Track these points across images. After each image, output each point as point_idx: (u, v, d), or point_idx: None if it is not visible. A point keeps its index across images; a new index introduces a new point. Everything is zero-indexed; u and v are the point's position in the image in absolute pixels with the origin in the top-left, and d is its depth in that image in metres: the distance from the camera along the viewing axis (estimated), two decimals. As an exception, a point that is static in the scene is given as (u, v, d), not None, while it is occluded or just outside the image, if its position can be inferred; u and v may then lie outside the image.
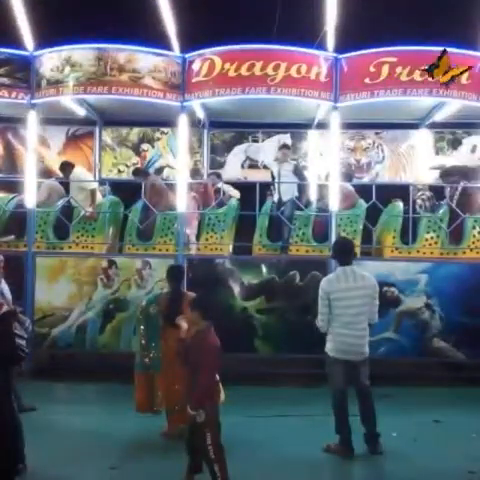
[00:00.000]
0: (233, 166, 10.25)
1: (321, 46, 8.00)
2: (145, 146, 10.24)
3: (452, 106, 8.31)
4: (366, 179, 10.05)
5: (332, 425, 5.17)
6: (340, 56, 7.72)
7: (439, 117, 9.08)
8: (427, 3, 11.00)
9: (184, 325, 4.50)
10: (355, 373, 5.17)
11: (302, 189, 8.52)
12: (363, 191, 8.38)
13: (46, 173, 9.47)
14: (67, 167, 8.81)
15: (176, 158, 9.50)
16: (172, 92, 7.84)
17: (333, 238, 7.60)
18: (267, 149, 10.15)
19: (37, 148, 8.65)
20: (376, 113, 9.02)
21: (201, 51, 7.81)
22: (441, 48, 7.53)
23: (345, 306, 5.07)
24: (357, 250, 7.22)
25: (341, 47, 7.84)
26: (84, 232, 8.33)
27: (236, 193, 9.17)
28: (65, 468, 4.75)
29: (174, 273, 5.86)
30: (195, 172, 9.48)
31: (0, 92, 7.89)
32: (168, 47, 8.47)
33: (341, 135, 8.93)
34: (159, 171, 10.05)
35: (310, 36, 8.47)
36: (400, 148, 10.07)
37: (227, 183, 9.22)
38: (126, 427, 5.69)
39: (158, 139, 10.23)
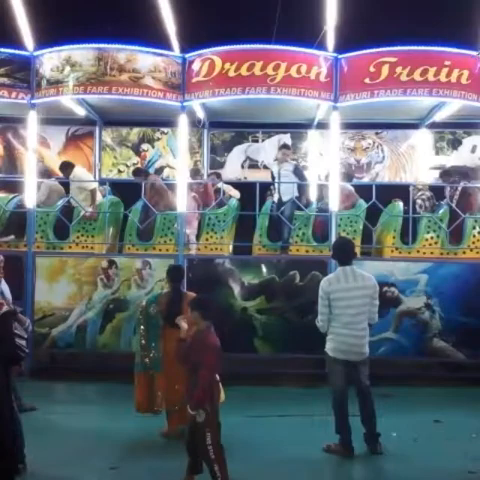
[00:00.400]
0: (233, 166, 10.25)
1: (321, 46, 8.00)
2: (145, 146, 10.24)
3: (452, 106, 8.31)
4: (366, 179, 10.05)
5: (332, 425, 5.17)
6: (340, 56, 7.72)
7: (439, 117, 9.08)
8: (427, 3, 11.00)
9: (184, 325, 4.50)
10: (355, 373, 5.16)
11: (302, 189, 8.51)
12: (363, 191, 8.38)
13: (46, 173, 9.46)
14: (67, 167, 8.81)
15: (176, 158, 9.52)
16: (172, 92, 7.84)
17: (333, 238, 7.60)
18: (267, 149, 10.15)
19: (37, 148, 8.66)
20: (376, 113, 9.03)
21: (201, 51, 7.81)
22: (440, 48, 7.62)
23: (345, 306, 5.07)
24: (357, 250, 7.21)
25: (341, 47, 7.84)
26: (84, 232, 8.33)
27: (236, 193, 9.17)
28: (65, 468, 4.75)
29: (174, 273, 5.86)
30: (195, 172, 9.47)
31: (0, 92, 7.90)
32: (168, 47, 8.47)
33: (341, 135, 8.94)
34: (159, 171, 10.05)
35: (310, 36, 8.47)
36: (400, 148, 10.08)
37: (227, 183, 9.22)
38: (126, 427, 5.69)
39: (158, 139, 10.23)
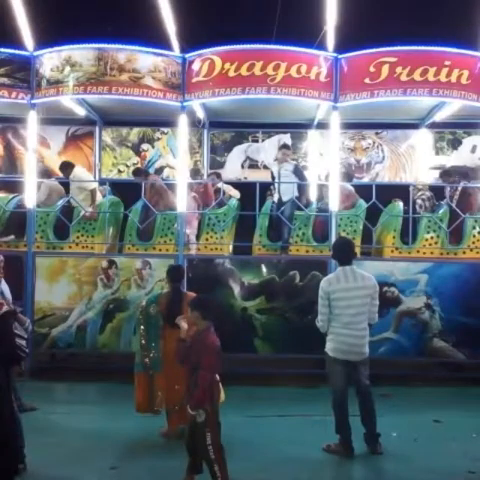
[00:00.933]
0: (233, 166, 10.25)
1: (321, 46, 8.00)
2: (145, 146, 10.24)
3: (452, 106, 8.31)
4: (366, 179, 10.05)
5: (332, 425, 5.18)
6: (340, 56, 7.71)
7: (439, 117, 9.08)
8: (427, 3, 11.01)
9: (184, 325, 4.50)
10: (355, 373, 5.16)
11: (302, 189, 8.51)
12: (363, 191, 8.38)
13: (46, 173, 9.47)
14: (67, 167, 8.81)
15: (176, 158, 9.52)
16: (172, 92, 7.84)
17: (333, 238, 7.60)
18: (267, 149, 10.15)
19: (37, 148, 8.65)
20: (376, 113, 9.03)
21: (201, 51, 7.80)
22: (440, 48, 7.62)
23: (345, 306, 5.07)
24: (357, 250, 7.21)
25: (341, 47, 7.84)
26: (84, 232, 8.32)
27: (236, 193, 9.17)
28: (65, 468, 4.75)
29: (174, 273, 5.86)
30: (195, 172, 9.48)
31: (0, 92, 7.90)
32: (168, 47, 8.47)
33: (341, 135, 8.94)
34: (159, 171, 10.05)
35: (310, 36, 8.47)
36: (400, 148, 10.08)
37: (227, 183, 9.21)
38: (126, 427, 5.69)
39: (158, 139, 10.23)
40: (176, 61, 7.88)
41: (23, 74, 7.91)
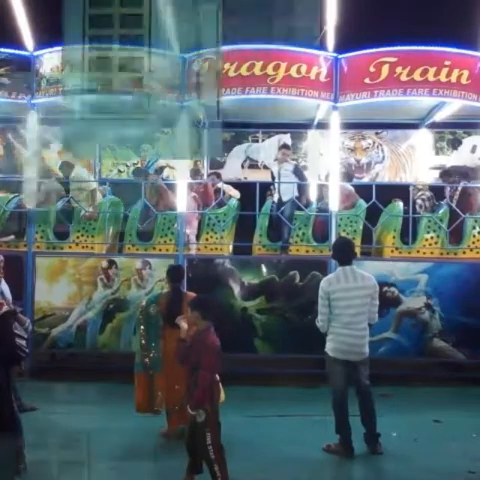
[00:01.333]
0: (233, 166, 10.25)
1: (321, 46, 8.00)
2: (145, 146, 10.24)
3: (452, 106, 8.31)
4: (366, 179, 10.05)
5: (332, 425, 5.18)
6: (340, 56, 7.71)
7: (439, 117, 9.08)
8: (427, 3, 11.01)
9: (184, 325, 4.50)
10: (355, 373, 5.17)
11: (302, 189, 8.51)
12: (363, 191, 8.38)
13: (46, 173, 9.46)
14: (67, 167, 8.81)
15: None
16: (172, 92, 7.83)
17: (333, 238, 7.60)
18: (267, 149, 10.15)
19: (37, 148, 8.65)
20: (376, 113, 9.02)
21: (201, 51, 7.80)
22: (440, 48, 7.62)
23: (345, 306, 5.07)
24: (357, 250, 7.21)
25: (341, 47, 7.84)
26: (84, 232, 8.32)
27: (236, 193, 9.16)
28: (65, 468, 4.76)
29: (174, 273, 5.86)
30: (195, 172, 9.47)
31: (0, 92, 7.90)
32: (169, 47, 8.46)
33: (341, 135, 8.93)
34: (159, 171, 10.04)
35: (310, 36, 8.47)
36: (400, 148, 10.08)
37: (227, 183, 9.21)
38: (126, 427, 5.69)
39: (158, 139, 10.23)
40: (176, 61, 7.87)
41: (23, 74, 7.91)
